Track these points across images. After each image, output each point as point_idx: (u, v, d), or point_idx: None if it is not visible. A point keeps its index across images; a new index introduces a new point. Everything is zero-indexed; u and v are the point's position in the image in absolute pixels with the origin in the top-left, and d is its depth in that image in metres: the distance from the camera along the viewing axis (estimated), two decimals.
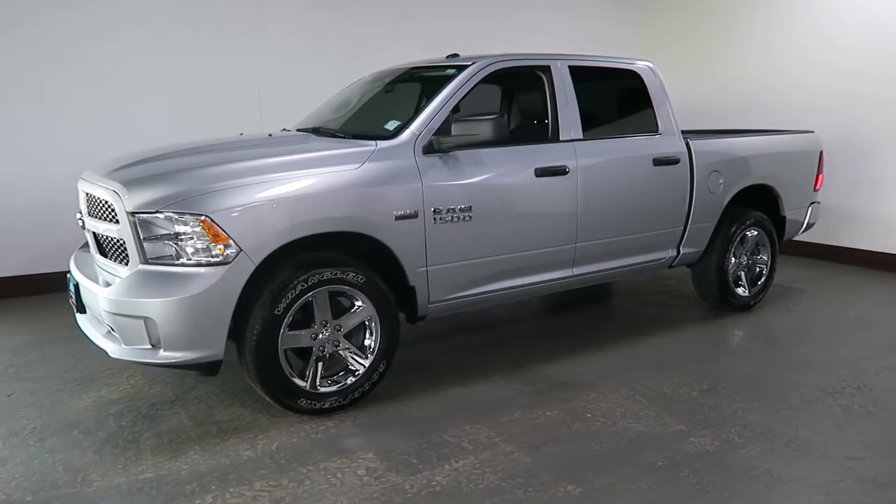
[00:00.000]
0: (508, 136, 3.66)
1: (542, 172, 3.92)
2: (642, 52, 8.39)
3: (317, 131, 4.05)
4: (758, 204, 5.28)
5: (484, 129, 3.49)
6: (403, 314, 3.69)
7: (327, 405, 3.34)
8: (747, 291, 5.19)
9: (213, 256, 3.00)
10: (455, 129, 3.52)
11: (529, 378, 3.84)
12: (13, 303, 5.40)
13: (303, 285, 3.17)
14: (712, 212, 4.85)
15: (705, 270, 5.04)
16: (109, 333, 3.19)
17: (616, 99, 4.78)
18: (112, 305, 3.03)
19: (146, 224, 3.00)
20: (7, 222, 5.51)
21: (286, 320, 3.17)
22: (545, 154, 4.00)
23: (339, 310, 3.39)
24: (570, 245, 4.14)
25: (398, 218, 3.41)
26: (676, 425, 3.24)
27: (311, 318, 3.29)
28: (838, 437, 3.13)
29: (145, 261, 3.04)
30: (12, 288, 5.54)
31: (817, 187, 5.63)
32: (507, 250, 3.88)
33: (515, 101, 4.77)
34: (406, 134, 3.56)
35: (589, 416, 3.36)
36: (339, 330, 3.38)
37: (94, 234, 3.45)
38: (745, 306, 5.18)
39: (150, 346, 3.03)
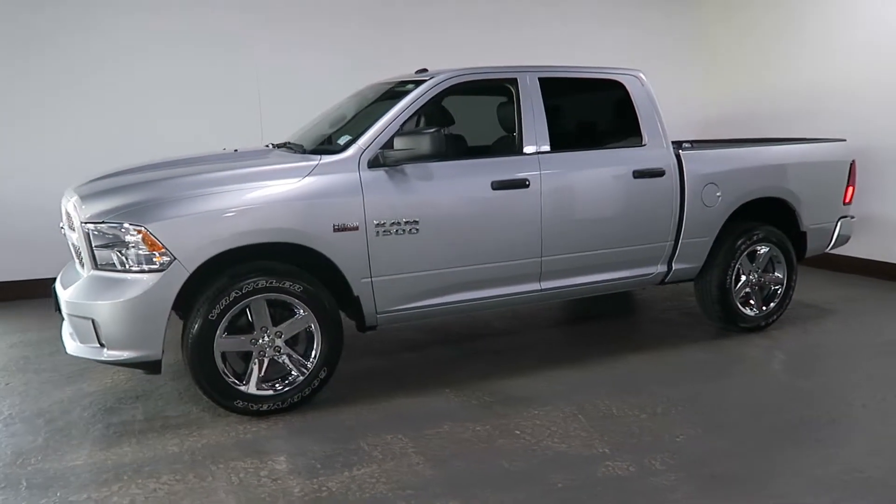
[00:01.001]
0: (445, 150, 3.66)
1: (499, 185, 3.90)
2: (694, 58, 8.14)
3: (285, 146, 4.24)
4: (773, 218, 4.95)
5: (422, 143, 3.54)
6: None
7: (265, 408, 3.49)
8: (758, 311, 4.87)
9: (151, 264, 3.23)
10: (397, 143, 3.59)
11: (481, 392, 3.82)
12: (43, 302, 5.96)
13: (237, 293, 3.34)
14: (709, 226, 4.61)
15: (706, 288, 4.80)
16: (71, 332, 3.50)
17: (596, 110, 4.67)
18: (67, 307, 3.34)
19: (94, 233, 3.28)
20: (41, 223, 5.95)
21: (222, 325, 3.35)
22: (504, 167, 3.98)
23: (287, 317, 3.53)
24: (535, 259, 4.08)
25: (337, 230, 3.52)
26: (602, 448, 3.13)
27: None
28: (777, 473, 2.91)
29: (96, 267, 3.33)
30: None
31: (847, 200, 5.20)
32: (461, 263, 3.89)
33: (480, 114, 4.76)
34: (352, 149, 3.66)
35: (517, 433, 3.31)
36: (280, 336, 3.52)
37: (72, 243, 3.80)
38: (756, 327, 4.87)
39: (98, 345, 3.30)
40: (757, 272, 4.88)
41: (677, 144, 5.71)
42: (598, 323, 5.33)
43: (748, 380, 4.02)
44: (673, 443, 3.18)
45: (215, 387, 3.39)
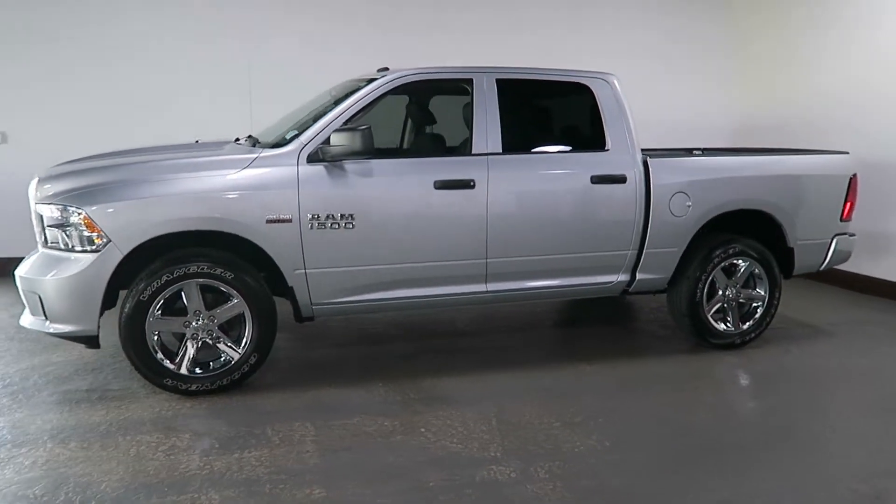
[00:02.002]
0: (374, 147, 3.71)
1: (442, 185, 3.93)
2: (724, 64, 7.82)
3: (248, 139, 4.40)
4: (759, 232, 4.73)
5: (354, 139, 3.62)
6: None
7: (193, 388, 3.67)
8: (734, 328, 4.67)
9: (91, 245, 3.46)
10: (333, 139, 3.68)
11: (411, 389, 3.86)
12: None
13: (168, 276, 3.53)
14: (677, 237, 4.46)
15: (677, 300, 4.64)
16: (25, 305, 3.79)
17: (558, 113, 4.59)
18: (20, 281, 3.62)
19: (43, 213, 3.54)
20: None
21: (154, 305, 3.54)
22: (449, 166, 4.00)
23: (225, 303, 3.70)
24: (480, 260, 4.07)
25: (269, 221, 3.65)
26: (495, 452, 3.12)
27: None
28: (660, 493, 2.82)
29: (45, 245, 3.59)
30: None
31: (846, 216, 4.89)
32: (400, 260, 3.94)
33: (416, 114, 4.75)
34: (293, 143, 3.78)
35: (422, 430, 3.34)
36: (214, 321, 3.69)
37: None
38: (730, 344, 4.66)
39: (44, 318, 3.57)
40: (735, 287, 4.67)
41: (686, 152, 5.57)
42: (571, 329, 5.25)
43: (693, 397, 3.87)
44: (570, 453, 3.12)
45: (146, 364, 3.59)
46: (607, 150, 4.30)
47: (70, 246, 3.50)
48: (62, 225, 3.49)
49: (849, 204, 4.89)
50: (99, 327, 3.54)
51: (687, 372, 4.26)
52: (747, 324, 4.72)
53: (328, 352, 4.56)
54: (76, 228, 3.47)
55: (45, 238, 3.59)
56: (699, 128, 8.04)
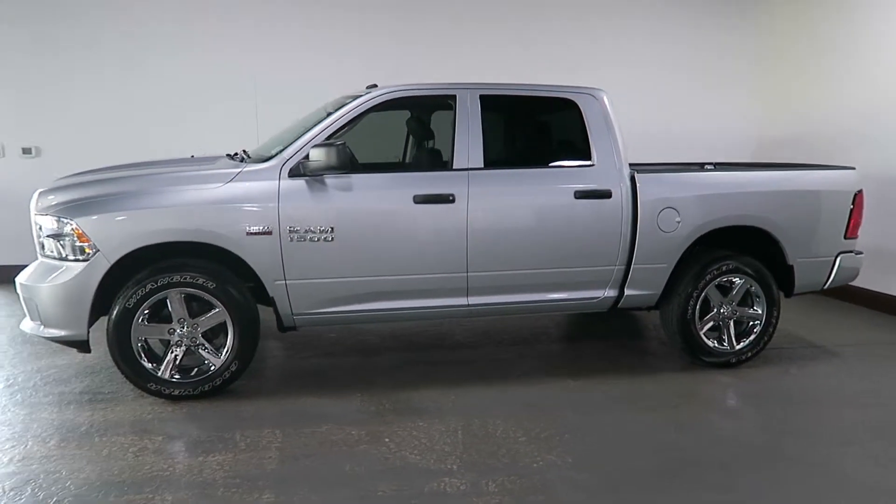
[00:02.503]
0: (349, 163, 3.81)
1: (422, 199, 3.99)
2: (752, 75, 7.69)
3: (242, 154, 4.55)
4: (757, 248, 4.64)
5: (329, 155, 3.72)
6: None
7: (176, 392, 3.81)
8: (729, 346, 4.57)
9: (82, 254, 3.66)
10: (312, 154, 3.79)
11: (388, 400, 3.92)
12: None
13: (152, 285, 3.69)
14: (667, 252, 4.40)
15: (668, 317, 4.58)
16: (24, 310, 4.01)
17: (543, 128, 4.60)
18: (20, 288, 3.84)
19: (41, 223, 3.75)
20: None
21: (139, 312, 3.71)
22: (430, 181, 4.06)
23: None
24: (461, 274, 4.11)
25: (250, 234, 3.78)
26: (450, 464, 3.14)
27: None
28: None
29: (42, 254, 3.81)
30: None
31: (851, 234, 4.74)
32: (380, 273, 4.01)
33: (417, 129, 4.82)
34: (275, 159, 3.91)
35: (386, 440, 3.39)
36: (197, 328, 3.83)
37: None
38: (725, 363, 4.57)
39: (39, 323, 3.77)
40: (730, 305, 4.57)
41: (699, 167, 5.50)
42: (567, 344, 5.21)
43: (673, 416, 3.80)
44: (527, 468, 3.12)
45: (131, 368, 3.75)
46: (592, 165, 4.29)
47: (63, 255, 3.70)
48: (57, 235, 3.70)
49: (854, 221, 4.73)
50: (89, 332, 3.71)
51: (673, 390, 4.19)
52: (743, 343, 4.61)
53: (317, 361, 4.65)
54: (69, 238, 3.66)
55: (43, 247, 3.80)
56: (722, 141, 7.93)
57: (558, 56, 7.42)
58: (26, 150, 6.80)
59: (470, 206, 4.05)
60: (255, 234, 3.79)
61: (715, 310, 4.57)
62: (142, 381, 3.78)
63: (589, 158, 4.30)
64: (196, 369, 3.90)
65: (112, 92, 6.86)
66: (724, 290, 4.58)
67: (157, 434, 3.43)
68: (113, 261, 3.65)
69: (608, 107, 4.40)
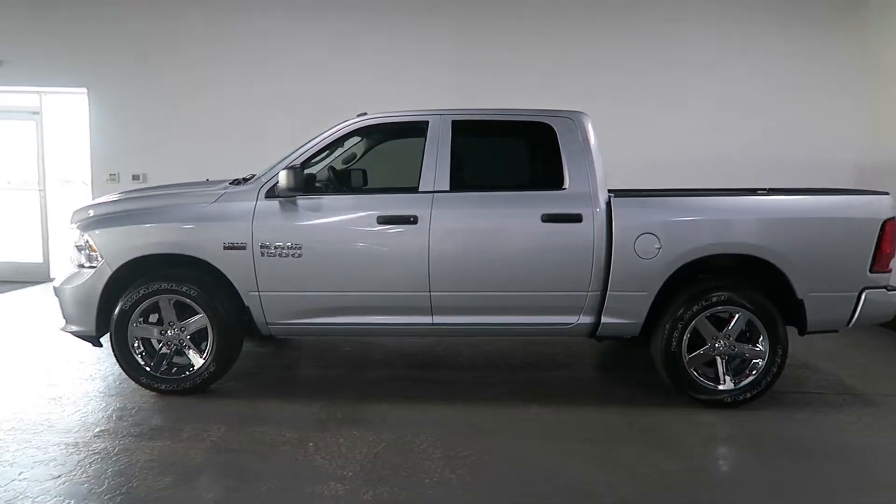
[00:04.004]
0: (300, 185, 4.09)
1: (385, 220, 4.19)
2: (857, 89, 7.06)
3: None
4: (767, 281, 4.30)
5: (288, 178, 4.06)
6: None
7: (163, 387, 4.30)
8: (725, 385, 4.25)
9: (91, 262, 4.29)
10: (280, 177, 4.15)
11: (343, 410, 4.11)
12: None
13: (144, 290, 4.23)
14: (646, 280, 4.20)
15: (654, 349, 4.35)
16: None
17: (514, 152, 4.58)
18: (54, 290, 4.56)
19: (71, 236, 4.45)
20: None
21: (134, 314, 4.25)
22: (395, 203, 4.24)
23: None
24: (423, 293, 4.23)
25: (226, 248, 4.20)
26: (348, 472, 3.28)
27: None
28: None
29: (70, 262, 4.51)
30: None
31: (879, 267, 4.21)
32: (345, 288, 4.25)
33: (351, 152, 4.94)
34: (254, 181, 4.33)
35: (310, 444, 3.60)
36: (184, 331, 4.31)
37: None
38: (719, 402, 4.24)
39: (64, 320, 4.46)
40: (726, 340, 4.25)
41: (750, 192, 5.19)
42: (558, 370, 5.05)
43: (612, 451, 3.59)
44: (418, 484, 3.17)
45: (127, 362, 4.30)
46: (564, 188, 4.24)
47: (81, 263, 4.36)
48: (78, 246, 4.37)
49: (883, 252, 4.20)
50: (97, 329, 4.31)
51: (639, 425, 3.97)
52: (742, 381, 4.25)
53: (308, 371, 4.98)
54: (85, 249, 4.31)
55: (71, 256, 4.50)
56: (820, 163, 7.27)
57: (626, 77, 7.32)
58: (136, 177, 7.91)
59: (432, 228, 4.18)
60: (231, 248, 4.20)
61: (709, 344, 4.26)
62: (135, 374, 4.32)
63: (560, 182, 4.25)
64: (177, 367, 4.36)
65: (210, 123, 7.81)
66: (721, 323, 4.26)
67: (125, 420, 3.91)
68: (114, 269, 4.24)
69: (587, 130, 4.33)
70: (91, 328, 4.32)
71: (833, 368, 5.18)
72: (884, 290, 4.25)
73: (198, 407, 4.13)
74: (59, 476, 3.20)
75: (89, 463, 3.33)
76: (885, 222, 4.18)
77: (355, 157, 5.04)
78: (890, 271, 4.28)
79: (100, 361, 5.05)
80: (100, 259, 4.24)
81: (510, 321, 4.31)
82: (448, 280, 4.22)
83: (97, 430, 3.76)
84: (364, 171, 4.52)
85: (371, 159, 4.83)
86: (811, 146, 7.38)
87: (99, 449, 3.50)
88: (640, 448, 3.66)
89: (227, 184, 4.77)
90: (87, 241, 4.27)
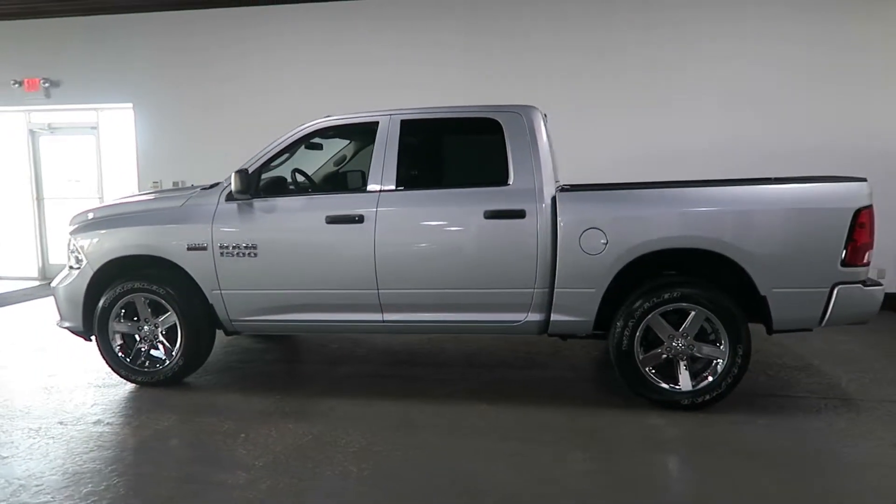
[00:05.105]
0: (247, 188, 4.26)
1: (332, 220, 4.31)
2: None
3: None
4: (725, 275, 4.09)
5: (235, 181, 4.25)
6: None
7: (140, 379, 4.63)
8: (681, 386, 4.07)
9: (78, 264, 4.69)
10: (231, 181, 4.36)
11: (294, 403, 4.27)
12: None
13: (120, 289, 4.57)
14: (594, 276, 4.08)
15: (610, 348, 4.22)
16: None
17: (463, 149, 4.54)
18: (52, 290, 5.00)
19: (68, 239, 4.88)
20: None
21: (113, 311, 4.60)
22: (343, 203, 4.35)
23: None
24: (372, 291, 4.32)
25: (189, 248, 4.46)
26: (259, 461, 3.41)
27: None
28: None
29: (67, 263, 4.94)
30: None
31: (852, 260, 3.89)
32: (298, 286, 4.40)
33: (341, 154, 4.99)
34: (219, 185, 4.56)
35: (242, 436, 3.76)
36: (157, 328, 4.62)
37: None
38: (675, 403, 4.07)
39: (59, 316, 4.89)
40: (684, 339, 4.06)
41: (765, 181, 4.95)
42: (539, 371, 4.97)
43: (532, 451, 3.51)
44: (319, 475, 3.26)
45: (109, 355, 4.65)
46: (509, 184, 4.19)
47: (71, 264, 4.76)
48: (70, 249, 4.78)
49: (856, 244, 3.87)
50: (84, 325, 4.69)
51: (583, 428, 3.85)
52: (702, 383, 4.05)
53: (284, 366, 5.18)
54: (74, 252, 4.72)
55: (67, 258, 4.93)
56: (836, 152, 6.75)
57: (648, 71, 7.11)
58: (175, 183, 8.46)
59: (378, 227, 4.25)
60: (193, 249, 4.45)
61: (665, 343, 4.08)
62: (116, 367, 4.66)
63: (505, 178, 4.21)
64: (156, 361, 4.66)
65: (241, 131, 8.22)
66: (679, 321, 4.08)
67: (96, 408, 4.24)
68: (95, 269, 4.60)
69: (536, 125, 4.26)
70: (79, 324, 4.71)
71: (838, 371, 4.81)
72: (860, 285, 3.91)
73: (165, 399, 4.41)
74: (8, 457, 3.53)
75: (38, 446, 3.65)
76: (858, 211, 3.84)
77: (346, 158, 5.22)
78: (866, 265, 3.93)
79: None
80: (84, 260, 4.62)
81: (459, 318, 4.30)
82: (394, 277, 4.27)
83: (64, 416, 4.10)
84: (340, 174, 4.66)
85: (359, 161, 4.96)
86: (832, 135, 6.85)
87: (55, 434, 3.83)
88: (567, 449, 3.57)
89: (199, 189, 5.05)
90: (75, 245, 4.66)
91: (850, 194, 3.88)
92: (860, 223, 3.84)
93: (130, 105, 8.56)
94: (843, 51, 6.81)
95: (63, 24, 8.56)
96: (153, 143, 8.52)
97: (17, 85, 8.74)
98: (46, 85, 8.69)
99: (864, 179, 3.94)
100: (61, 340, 5.94)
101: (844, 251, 3.87)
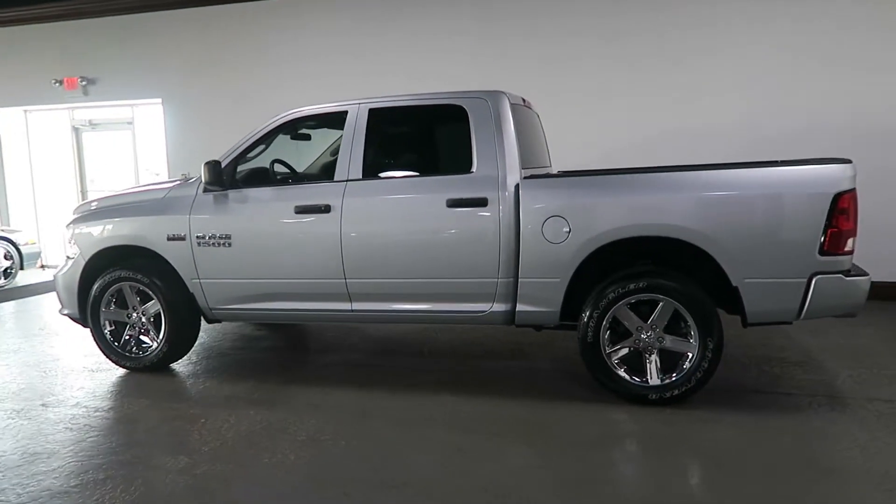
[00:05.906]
0: (217, 179, 4.33)
1: (301, 210, 4.35)
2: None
3: None
4: (697, 265, 3.91)
5: (204, 172, 4.34)
6: None
7: (128, 365, 4.82)
8: (649, 380, 3.91)
9: (73, 253, 4.92)
10: (201, 172, 4.45)
11: (266, 390, 4.35)
12: None
13: (109, 277, 4.75)
14: (557, 266, 3.97)
15: (578, 340, 4.10)
16: None
17: (428, 137, 4.46)
18: (54, 279, 5.26)
19: (68, 230, 5.12)
20: None
21: (104, 299, 4.80)
22: (311, 193, 4.38)
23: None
24: (339, 280, 4.34)
25: (169, 239, 4.60)
26: (206, 447, 3.48)
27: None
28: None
29: (66, 252, 5.19)
30: None
31: (832, 248, 3.63)
32: (270, 276, 4.46)
33: (336, 145, 4.95)
34: (199, 177, 4.68)
35: (203, 420, 3.86)
36: (144, 315, 4.80)
37: None
38: (642, 398, 3.91)
39: (61, 304, 5.15)
40: (653, 330, 3.90)
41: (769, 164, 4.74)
42: (521, 362, 4.88)
43: (480, 444, 3.45)
44: (257, 463, 3.30)
45: (101, 342, 4.86)
46: (472, 172, 4.11)
47: (69, 254, 5.00)
48: (69, 239, 5.01)
49: (836, 231, 3.60)
50: (80, 312, 4.92)
51: (538, 421, 3.76)
52: (670, 378, 3.88)
53: (273, 354, 5.27)
54: (71, 242, 4.94)
55: (66, 247, 5.17)
56: (869, 136, 6.28)
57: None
58: (183, 175, 8.72)
59: (343, 216, 4.26)
60: (173, 239, 4.59)
61: (633, 335, 3.93)
62: (107, 353, 4.87)
63: (469, 166, 4.13)
64: (145, 347, 4.84)
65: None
66: (647, 312, 3.91)
67: (80, 391, 4.45)
68: (87, 259, 4.81)
69: (503, 111, 4.16)
70: (74, 310, 4.94)
71: (837, 368, 4.52)
72: (840, 275, 3.64)
73: (146, 384, 4.58)
74: None
75: (13, 427, 3.86)
76: (838, 196, 3.57)
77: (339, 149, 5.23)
78: (849, 253, 3.66)
79: None
80: (78, 251, 4.83)
81: (425, 308, 4.27)
82: (361, 267, 4.27)
83: (49, 399, 4.32)
84: (315, 164, 4.69)
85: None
86: (852, 117, 6.38)
87: (33, 415, 4.03)
88: (511, 443, 3.50)
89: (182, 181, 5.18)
90: (72, 235, 4.88)
91: (830, 177, 3.61)
92: (841, 209, 3.57)
93: (160, 100, 8.86)
94: (863, 33, 6.31)
95: (98, 24, 8.94)
96: (181, 136, 8.81)
97: (58, 84, 9.21)
98: (84, 83, 9.11)
99: (848, 161, 3.66)
100: (75, 327, 6.23)
101: (823, 239, 3.60)
